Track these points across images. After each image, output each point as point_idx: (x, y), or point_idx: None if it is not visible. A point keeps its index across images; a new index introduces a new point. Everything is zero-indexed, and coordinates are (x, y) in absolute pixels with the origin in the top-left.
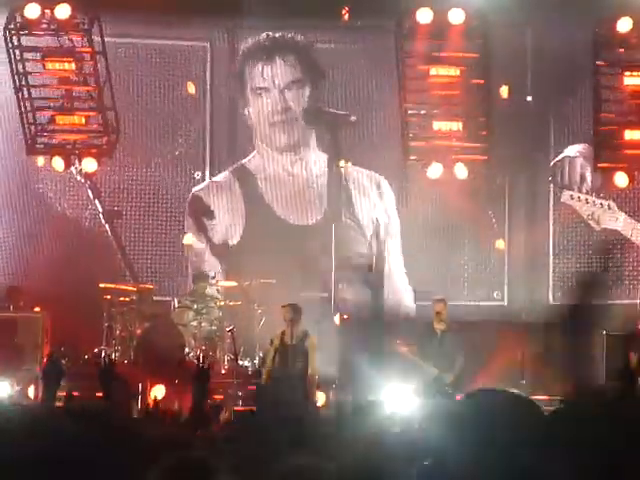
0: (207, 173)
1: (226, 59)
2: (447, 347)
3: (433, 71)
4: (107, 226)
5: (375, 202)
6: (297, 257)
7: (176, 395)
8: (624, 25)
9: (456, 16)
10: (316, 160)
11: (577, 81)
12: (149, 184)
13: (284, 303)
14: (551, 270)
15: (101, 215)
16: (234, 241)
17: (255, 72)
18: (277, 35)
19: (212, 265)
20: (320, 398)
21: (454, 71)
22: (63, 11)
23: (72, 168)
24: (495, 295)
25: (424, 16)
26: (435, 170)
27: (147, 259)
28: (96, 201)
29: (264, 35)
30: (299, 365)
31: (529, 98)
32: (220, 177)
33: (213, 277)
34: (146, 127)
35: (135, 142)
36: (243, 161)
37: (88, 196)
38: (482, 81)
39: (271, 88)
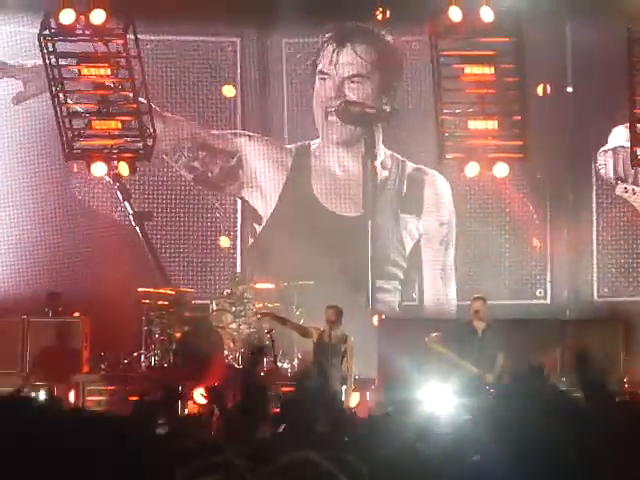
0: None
1: (257, 55)
2: (488, 346)
3: (467, 70)
4: (137, 228)
5: (424, 201)
6: (335, 258)
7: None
8: None
9: (488, 14)
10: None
11: (618, 74)
12: (181, 184)
13: (328, 305)
14: (595, 267)
15: (131, 217)
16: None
17: (324, 56)
18: (356, 23)
19: (249, 266)
20: (354, 398)
21: (488, 69)
22: (98, 16)
23: None
24: (538, 293)
25: (455, 14)
26: (472, 169)
27: (183, 262)
28: (125, 203)
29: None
30: (336, 365)
31: (569, 89)
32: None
33: (251, 279)
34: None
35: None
36: (311, 142)
37: (119, 198)
38: (517, 78)
39: (333, 75)
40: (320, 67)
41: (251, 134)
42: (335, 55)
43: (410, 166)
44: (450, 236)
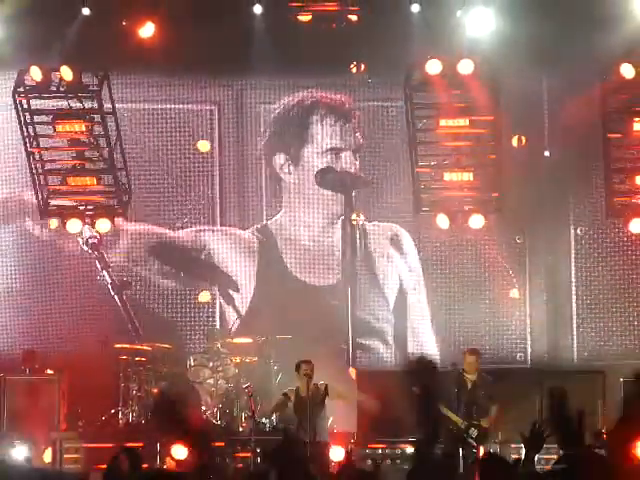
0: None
1: (234, 121)
2: (476, 398)
3: (443, 122)
4: (116, 297)
5: (394, 257)
6: (313, 315)
7: (194, 454)
8: (627, 71)
9: (465, 67)
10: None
11: (593, 125)
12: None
13: (302, 360)
14: (575, 329)
15: (110, 286)
16: (248, 298)
17: (316, 130)
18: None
19: (227, 322)
20: (337, 453)
21: (464, 122)
22: (66, 73)
23: (79, 239)
24: (518, 357)
25: (433, 67)
26: (443, 221)
27: (161, 319)
28: (104, 272)
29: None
30: (318, 416)
31: (547, 153)
32: (245, 232)
33: (228, 334)
34: (154, 192)
35: (143, 208)
36: (268, 222)
37: (97, 264)
38: (492, 131)
39: (325, 148)
40: (315, 141)
41: (214, 228)
42: (326, 128)
43: (370, 224)
44: (420, 282)
